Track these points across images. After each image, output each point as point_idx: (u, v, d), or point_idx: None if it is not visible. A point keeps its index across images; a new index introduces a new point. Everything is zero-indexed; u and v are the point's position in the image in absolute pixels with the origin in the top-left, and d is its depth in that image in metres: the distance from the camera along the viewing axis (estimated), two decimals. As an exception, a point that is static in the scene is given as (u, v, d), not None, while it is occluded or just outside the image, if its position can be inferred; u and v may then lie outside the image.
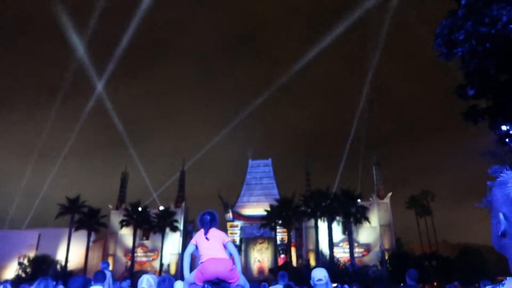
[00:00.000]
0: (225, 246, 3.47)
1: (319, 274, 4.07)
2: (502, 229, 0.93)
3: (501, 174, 0.98)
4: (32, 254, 43.21)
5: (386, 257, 37.80)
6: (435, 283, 34.63)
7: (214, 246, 3.38)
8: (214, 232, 3.49)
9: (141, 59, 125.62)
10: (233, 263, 3.36)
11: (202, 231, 3.50)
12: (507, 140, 12.57)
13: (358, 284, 10.52)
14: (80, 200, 44.29)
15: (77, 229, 43.84)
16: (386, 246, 41.25)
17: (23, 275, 37.65)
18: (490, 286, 0.89)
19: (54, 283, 5.01)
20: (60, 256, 43.74)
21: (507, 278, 0.90)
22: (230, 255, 3.49)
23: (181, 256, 46.71)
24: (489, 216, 1.01)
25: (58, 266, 41.34)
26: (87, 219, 44.14)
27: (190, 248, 3.57)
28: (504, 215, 0.93)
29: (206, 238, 3.42)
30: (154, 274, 5.16)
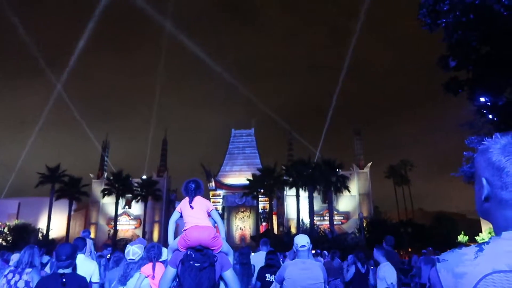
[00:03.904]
0: (209, 214, 3.50)
1: (302, 241, 4.17)
2: (485, 194, 0.95)
3: (483, 142, 1.00)
4: (12, 223, 42.83)
5: (364, 225, 39.04)
6: (409, 249, 36.10)
7: (198, 214, 3.40)
8: (198, 200, 3.50)
9: (124, 30, 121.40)
10: (217, 231, 3.41)
11: (187, 199, 3.51)
12: (485, 111, 12.85)
13: (338, 251, 10.82)
14: (61, 169, 43.77)
15: (58, 198, 43.46)
16: (365, 214, 42.50)
17: (4, 243, 37.47)
18: (476, 244, 0.92)
19: (42, 251, 4.98)
20: (41, 225, 43.50)
21: (491, 237, 0.93)
22: (215, 223, 3.52)
23: (163, 224, 47.14)
24: (463, 186, 1.02)
25: (40, 235, 41.22)
26: (68, 188, 43.74)
27: (175, 216, 3.60)
28: (486, 180, 0.95)
29: (191, 206, 3.43)
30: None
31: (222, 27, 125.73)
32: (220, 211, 47.09)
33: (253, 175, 43.29)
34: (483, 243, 0.90)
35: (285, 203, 46.65)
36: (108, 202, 47.87)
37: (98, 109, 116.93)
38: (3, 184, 52.53)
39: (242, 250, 6.33)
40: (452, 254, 0.92)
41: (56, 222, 43.59)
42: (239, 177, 48.44)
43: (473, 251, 0.89)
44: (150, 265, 4.26)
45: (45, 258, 7.87)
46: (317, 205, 43.87)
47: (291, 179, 41.57)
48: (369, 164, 48.36)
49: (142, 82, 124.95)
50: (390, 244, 7.31)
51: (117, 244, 36.03)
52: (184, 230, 3.31)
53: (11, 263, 5.32)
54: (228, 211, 49.83)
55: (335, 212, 44.16)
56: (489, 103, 12.59)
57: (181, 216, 3.52)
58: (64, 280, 3.42)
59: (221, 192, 49.88)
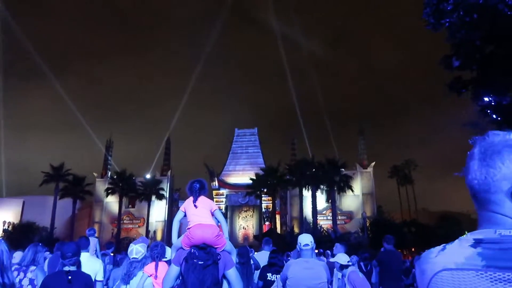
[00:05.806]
0: (212, 214, 3.53)
1: (306, 240, 4.18)
2: None
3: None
4: (16, 221, 43.07)
5: (368, 224, 38.95)
6: (413, 249, 35.97)
7: (202, 213, 3.44)
8: (202, 200, 3.55)
9: (131, 32, 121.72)
10: (220, 230, 3.44)
11: (191, 198, 3.54)
12: (488, 111, 12.79)
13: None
14: (65, 168, 43.97)
15: (62, 197, 43.69)
16: (368, 213, 42.39)
17: (8, 241, 37.63)
18: (444, 244, 0.94)
19: (45, 249, 5.02)
20: (45, 223, 43.69)
21: (459, 237, 0.94)
22: (218, 222, 3.55)
23: (166, 223, 47.28)
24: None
25: (44, 233, 41.40)
26: (72, 187, 43.95)
27: (179, 215, 3.64)
28: None
29: (195, 205, 3.47)
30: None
31: (225, 27, 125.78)
32: (223, 210, 47.12)
33: (256, 175, 43.30)
34: (450, 242, 0.94)
35: (288, 203, 46.64)
36: (112, 201, 48.05)
37: (102, 108, 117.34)
38: (7, 182, 52.85)
39: (239, 250, 5.82)
40: (426, 252, 0.97)
41: (60, 221, 43.79)
42: (242, 177, 48.47)
43: (438, 250, 0.93)
44: (153, 264, 4.29)
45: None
46: (320, 204, 43.81)
47: (294, 179, 41.55)
48: (373, 163, 48.26)
49: (147, 82, 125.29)
50: (391, 243, 7.27)
51: (121, 243, 36.14)
52: (188, 229, 3.34)
53: (13, 261, 5.37)
54: (231, 210, 49.90)
55: (338, 212, 44.09)
56: (493, 103, 12.53)
57: (185, 215, 3.55)
58: (69, 277, 3.46)
59: (224, 191, 49.94)
